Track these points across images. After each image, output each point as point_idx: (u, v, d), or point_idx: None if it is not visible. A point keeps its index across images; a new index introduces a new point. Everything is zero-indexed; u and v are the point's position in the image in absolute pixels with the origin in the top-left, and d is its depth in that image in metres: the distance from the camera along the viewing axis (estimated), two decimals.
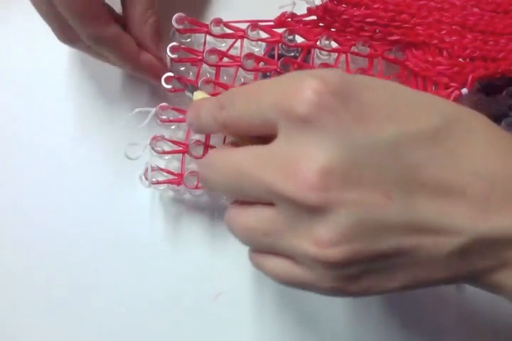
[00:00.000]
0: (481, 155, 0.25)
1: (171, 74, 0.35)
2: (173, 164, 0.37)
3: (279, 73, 0.36)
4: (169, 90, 0.35)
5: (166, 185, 0.35)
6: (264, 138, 0.26)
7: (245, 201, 0.27)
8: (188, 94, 0.34)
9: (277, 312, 0.38)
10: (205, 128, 0.30)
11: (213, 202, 0.38)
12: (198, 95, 0.33)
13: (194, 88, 0.34)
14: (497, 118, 0.39)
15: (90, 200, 0.39)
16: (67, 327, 0.38)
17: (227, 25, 0.36)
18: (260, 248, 0.27)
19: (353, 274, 0.25)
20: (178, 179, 0.35)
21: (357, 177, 0.23)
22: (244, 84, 0.35)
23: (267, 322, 0.38)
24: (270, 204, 0.26)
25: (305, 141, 0.24)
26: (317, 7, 0.36)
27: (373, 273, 0.25)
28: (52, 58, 0.41)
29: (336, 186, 0.23)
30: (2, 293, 0.38)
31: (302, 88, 0.24)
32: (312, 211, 0.24)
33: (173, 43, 0.35)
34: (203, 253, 0.38)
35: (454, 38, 0.37)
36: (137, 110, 0.35)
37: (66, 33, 0.34)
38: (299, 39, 0.37)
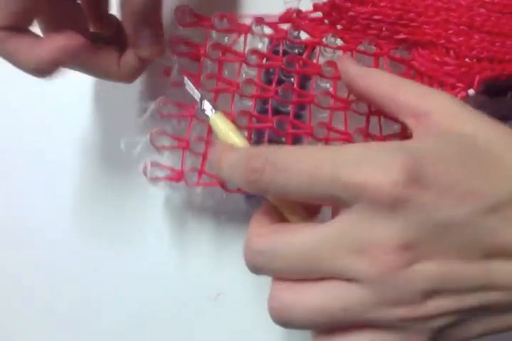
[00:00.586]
0: None
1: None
2: (173, 160, 0.36)
3: (283, 70, 0.35)
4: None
5: (164, 181, 0.34)
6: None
7: (306, 278, 0.26)
8: (202, 112, 0.33)
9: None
10: (231, 182, 0.29)
11: (219, 207, 0.38)
12: (217, 119, 0.32)
13: (212, 104, 0.33)
14: (502, 121, 0.38)
15: (93, 207, 0.39)
16: (67, 327, 0.38)
17: (231, 19, 0.35)
18: (334, 326, 0.27)
19: (438, 328, 0.26)
20: (177, 175, 0.34)
21: (437, 250, 0.25)
22: (248, 80, 0.34)
23: (267, 322, 0.37)
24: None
25: (385, 224, 0.25)
26: (324, 3, 0.36)
27: (456, 326, 0.26)
28: None
29: (416, 258, 0.25)
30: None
31: (379, 179, 0.24)
32: (396, 281, 0.25)
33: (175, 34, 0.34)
34: (206, 257, 0.38)
35: (462, 38, 0.36)
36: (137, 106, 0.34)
37: None
38: (304, 36, 0.36)
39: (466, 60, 0.36)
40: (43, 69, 0.31)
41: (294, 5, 0.35)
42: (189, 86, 0.34)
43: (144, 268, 0.38)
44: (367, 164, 0.25)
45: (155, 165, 0.34)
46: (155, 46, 0.33)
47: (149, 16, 0.32)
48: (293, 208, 0.29)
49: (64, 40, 0.30)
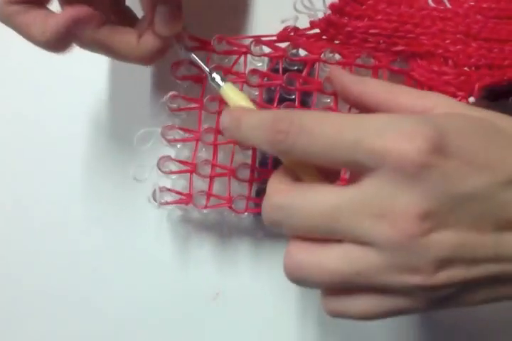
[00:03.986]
0: None
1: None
2: (181, 183, 0.36)
3: (284, 88, 0.35)
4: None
5: (174, 204, 0.35)
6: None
7: (322, 238, 0.27)
8: (212, 83, 0.33)
9: (277, 312, 0.39)
10: (247, 143, 0.29)
11: (222, 220, 0.38)
12: (228, 88, 0.32)
13: (221, 76, 0.33)
14: None
15: (99, 221, 0.39)
16: (67, 327, 0.39)
17: (229, 41, 0.35)
18: (344, 287, 0.27)
19: (444, 296, 0.26)
20: (186, 199, 0.35)
21: (454, 220, 0.25)
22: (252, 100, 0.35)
23: (267, 322, 0.38)
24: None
25: (407, 191, 0.25)
26: (320, 20, 0.36)
27: (461, 294, 0.27)
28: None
29: (434, 227, 0.25)
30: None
31: (405, 146, 0.25)
32: (412, 248, 0.25)
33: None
34: (206, 257, 0.39)
35: (459, 46, 0.36)
36: (142, 131, 0.34)
37: None
38: (303, 53, 0.37)
39: (465, 68, 0.36)
40: (55, 41, 0.31)
41: (291, 23, 0.36)
42: (197, 62, 0.34)
43: (143, 268, 0.39)
44: (391, 131, 0.25)
45: (163, 190, 0.34)
46: (173, 22, 0.32)
47: None
48: (312, 173, 0.29)
49: (76, 11, 0.30)
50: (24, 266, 0.40)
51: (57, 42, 0.31)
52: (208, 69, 0.34)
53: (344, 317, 0.28)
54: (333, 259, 0.26)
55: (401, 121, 0.26)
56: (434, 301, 0.27)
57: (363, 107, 0.32)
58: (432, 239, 0.25)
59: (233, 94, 0.32)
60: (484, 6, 0.36)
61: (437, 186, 0.25)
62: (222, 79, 0.33)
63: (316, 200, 0.26)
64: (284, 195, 0.27)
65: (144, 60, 0.33)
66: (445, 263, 0.25)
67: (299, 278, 0.27)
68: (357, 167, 0.26)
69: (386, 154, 0.25)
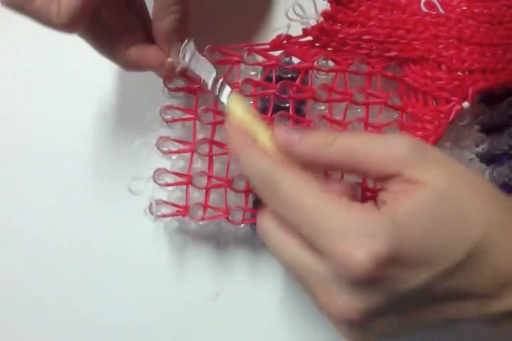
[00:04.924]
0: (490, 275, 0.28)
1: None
2: (177, 194, 0.36)
3: (278, 97, 0.35)
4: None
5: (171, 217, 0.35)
6: None
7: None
8: (218, 95, 0.33)
9: (276, 312, 0.39)
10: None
11: (218, 230, 0.38)
12: (233, 100, 0.32)
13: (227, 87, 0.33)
14: (498, 128, 0.39)
15: (96, 231, 0.40)
16: (67, 327, 0.39)
17: (222, 51, 0.35)
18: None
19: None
20: (183, 211, 0.35)
21: (390, 310, 0.28)
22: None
23: (267, 322, 0.39)
24: None
25: (351, 290, 0.27)
26: (312, 27, 0.36)
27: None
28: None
29: (371, 319, 0.28)
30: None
31: (358, 258, 0.26)
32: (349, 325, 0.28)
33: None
34: (206, 257, 0.39)
35: (452, 51, 0.36)
36: (137, 143, 0.34)
37: None
38: (296, 60, 0.36)
39: (458, 73, 0.36)
40: (72, 21, 0.31)
41: (283, 31, 0.36)
42: (199, 61, 0.34)
43: (143, 268, 0.39)
44: (350, 234, 0.27)
45: (160, 202, 0.34)
46: None
47: None
48: None
49: None
50: (24, 268, 0.40)
51: (74, 22, 0.31)
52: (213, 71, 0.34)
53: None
54: (289, 252, 0.29)
55: (364, 227, 0.27)
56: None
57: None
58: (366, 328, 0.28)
59: (238, 109, 0.32)
60: (476, 11, 0.36)
61: (377, 290, 0.27)
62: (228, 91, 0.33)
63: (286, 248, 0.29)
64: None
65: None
66: None
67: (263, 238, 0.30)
68: (311, 244, 0.28)
69: (336, 256, 0.26)
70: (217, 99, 0.33)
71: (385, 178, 0.28)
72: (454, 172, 0.28)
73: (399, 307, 0.28)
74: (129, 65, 0.35)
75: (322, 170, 0.32)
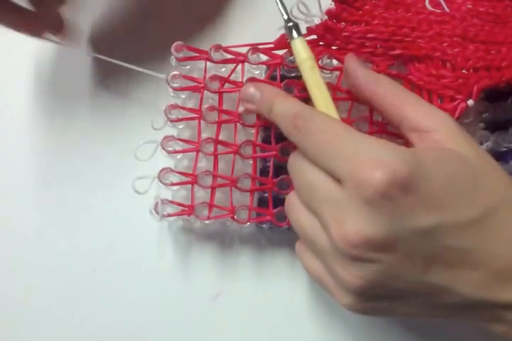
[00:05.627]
0: (505, 243, 0.29)
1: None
2: (181, 193, 0.36)
3: None
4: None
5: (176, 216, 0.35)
6: None
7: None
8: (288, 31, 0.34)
9: (277, 312, 0.39)
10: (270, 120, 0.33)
11: (223, 229, 0.38)
12: (298, 42, 0.34)
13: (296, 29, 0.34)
14: (503, 126, 0.39)
15: (101, 230, 0.40)
16: (67, 327, 0.39)
17: (226, 50, 0.35)
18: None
19: (369, 299, 0.30)
20: (188, 210, 0.35)
21: (392, 248, 0.28)
22: (248, 110, 0.35)
23: (267, 322, 0.39)
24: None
25: (361, 211, 0.27)
26: (317, 26, 0.36)
27: (385, 302, 0.30)
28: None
29: (373, 250, 0.28)
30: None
31: (374, 173, 0.27)
32: (349, 258, 0.28)
33: (174, 72, 0.34)
34: (206, 257, 0.39)
35: (456, 49, 0.36)
36: (143, 143, 0.34)
37: None
38: None
39: (463, 71, 0.36)
40: None
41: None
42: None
43: (143, 268, 0.39)
44: (371, 156, 0.28)
45: (165, 202, 0.34)
46: None
47: None
48: None
49: None
50: (24, 268, 0.40)
51: None
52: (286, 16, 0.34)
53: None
54: (302, 223, 0.31)
55: (385, 150, 0.28)
56: (358, 302, 0.30)
57: (371, 105, 0.34)
58: (367, 257, 0.28)
59: (303, 50, 0.34)
60: (481, 9, 0.36)
61: (386, 216, 0.27)
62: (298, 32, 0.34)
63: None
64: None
65: None
66: (371, 277, 0.28)
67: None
68: (335, 175, 0.29)
69: (354, 174, 0.27)
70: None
71: (421, 130, 0.31)
72: (481, 152, 0.31)
73: (399, 249, 0.28)
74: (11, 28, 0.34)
75: (364, 102, 0.34)
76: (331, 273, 0.30)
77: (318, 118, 0.31)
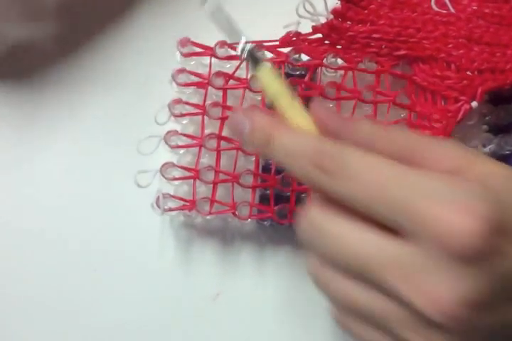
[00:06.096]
0: None
1: None
2: (183, 188, 0.36)
3: None
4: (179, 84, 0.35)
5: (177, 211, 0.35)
6: None
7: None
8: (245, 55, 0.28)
9: (277, 312, 0.39)
10: (274, 160, 0.26)
11: (224, 225, 0.38)
12: (265, 70, 0.28)
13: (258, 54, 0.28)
14: (506, 129, 0.39)
15: (101, 225, 0.39)
16: (67, 327, 0.39)
17: (232, 46, 0.35)
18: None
19: None
20: (190, 205, 0.35)
21: (493, 310, 0.22)
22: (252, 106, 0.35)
23: (267, 323, 0.38)
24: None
25: (450, 268, 0.22)
26: (322, 25, 0.36)
27: None
28: None
29: (473, 316, 0.22)
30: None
31: (463, 222, 0.21)
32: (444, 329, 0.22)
33: (179, 67, 0.35)
34: (206, 257, 0.39)
35: (461, 51, 0.36)
36: (145, 137, 0.34)
37: None
38: (305, 58, 0.36)
39: (468, 72, 0.36)
40: None
41: (293, 28, 0.36)
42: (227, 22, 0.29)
43: (143, 268, 0.39)
44: (446, 198, 0.22)
45: (167, 196, 0.34)
46: None
47: None
48: None
49: None
50: (24, 268, 0.40)
51: None
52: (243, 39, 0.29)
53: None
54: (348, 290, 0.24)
55: (459, 190, 0.22)
56: None
57: None
58: (466, 326, 0.22)
59: (274, 85, 0.28)
60: (487, 11, 0.36)
61: (493, 272, 0.22)
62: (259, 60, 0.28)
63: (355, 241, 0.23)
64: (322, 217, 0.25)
65: None
66: None
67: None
68: (396, 227, 0.23)
69: (437, 226, 0.21)
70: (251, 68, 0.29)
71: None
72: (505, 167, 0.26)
73: (503, 294, 0.22)
74: None
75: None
76: None
77: (354, 153, 0.24)
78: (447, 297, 0.21)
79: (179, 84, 0.35)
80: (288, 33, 0.36)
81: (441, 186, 0.22)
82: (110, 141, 0.40)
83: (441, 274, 0.21)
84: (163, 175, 0.34)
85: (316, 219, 0.24)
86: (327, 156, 0.24)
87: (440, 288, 0.21)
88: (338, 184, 0.23)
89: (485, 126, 0.38)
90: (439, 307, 0.21)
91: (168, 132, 0.35)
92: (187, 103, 0.35)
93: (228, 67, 0.37)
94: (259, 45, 0.35)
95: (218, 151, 0.35)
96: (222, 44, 0.35)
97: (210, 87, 0.35)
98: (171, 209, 0.35)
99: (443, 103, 0.37)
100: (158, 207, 0.34)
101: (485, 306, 0.22)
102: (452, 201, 0.21)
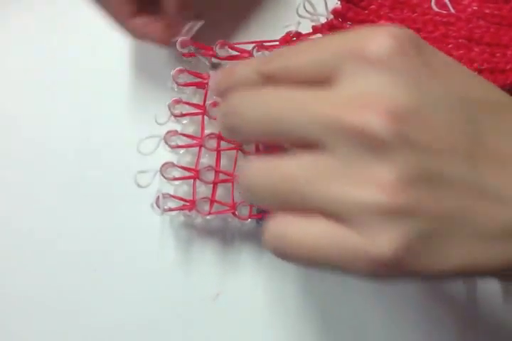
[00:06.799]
0: None
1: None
2: (183, 189, 0.36)
3: None
4: (179, 84, 0.35)
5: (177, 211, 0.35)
6: None
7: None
8: None
9: (277, 312, 0.39)
10: (236, 83, 0.26)
11: (224, 225, 0.38)
12: None
13: None
14: None
15: (101, 225, 0.39)
16: (66, 327, 0.39)
17: (232, 47, 0.35)
18: (289, 205, 0.23)
19: (413, 237, 0.21)
20: (190, 205, 0.35)
21: (428, 121, 0.22)
22: None
23: (267, 323, 0.38)
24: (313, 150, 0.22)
25: (375, 81, 0.22)
26: (322, 25, 0.36)
27: (432, 242, 0.22)
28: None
29: (406, 124, 0.21)
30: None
31: (376, 34, 0.23)
32: (377, 148, 0.21)
33: (179, 67, 0.35)
34: (206, 257, 0.39)
35: (462, 51, 0.36)
36: (145, 137, 0.34)
37: None
38: None
39: None
40: None
41: (293, 28, 0.36)
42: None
43: (143, 268, 0.39)
44: (356, 35, 0.23)
45: (166, 196, 0.34)
46: None
47: None
48: None
49: None
50: (24, 268, 0.39)
51: None
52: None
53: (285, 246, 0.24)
54: (287, 166, 0.23)
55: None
56: (401, 249, 0.21)
57: None
58: (401, 135, 0.21)
59: None
60: (487, 11, 0.36)
61: (407, 78, 0.22)
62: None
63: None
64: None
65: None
66: (413, 174, 0.21)
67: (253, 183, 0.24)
68: (331, 73, 0.23)
69: (351, 48, 0.23)
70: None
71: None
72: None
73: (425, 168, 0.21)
74: (135, 34, 0.35)
75: None
76: (354, 210, 0.21)
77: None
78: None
79: (179, 84, 0.35)
80: (288, 33, 0.36)
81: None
82: (110, 140, 0.40)
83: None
84: (163, 175, 0.34)
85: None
86: (269, 56, 0.28)
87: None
88: (284, 60, 0.25)
89: None
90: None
91: (168, 132, 0.35)
92: (187, 103, 0.35)
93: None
94: (260, 45, 0.35)
95: (218, 151, 0.35)
96: (223, 44, 0.35)
97: None
98: (170, 209, 0.35)
99: None
100: (158, 207, 0.34)
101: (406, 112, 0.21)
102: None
